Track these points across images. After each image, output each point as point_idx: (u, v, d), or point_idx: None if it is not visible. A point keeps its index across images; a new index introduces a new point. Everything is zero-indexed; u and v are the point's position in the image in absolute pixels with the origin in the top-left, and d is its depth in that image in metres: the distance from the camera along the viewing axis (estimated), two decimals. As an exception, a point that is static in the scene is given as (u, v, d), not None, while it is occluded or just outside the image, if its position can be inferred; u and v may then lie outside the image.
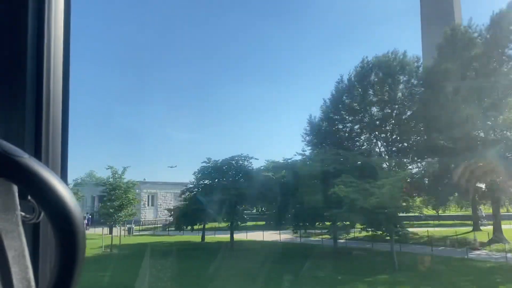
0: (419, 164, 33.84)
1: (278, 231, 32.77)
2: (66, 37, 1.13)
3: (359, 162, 28.21)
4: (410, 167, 33.41)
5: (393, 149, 34.07)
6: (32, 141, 1.02)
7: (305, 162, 30.48)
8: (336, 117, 35.28)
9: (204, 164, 32.52)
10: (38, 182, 0.68)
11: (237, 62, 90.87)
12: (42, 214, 0.80)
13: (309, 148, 36.05)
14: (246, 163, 32.67)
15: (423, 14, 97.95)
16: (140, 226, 46.48)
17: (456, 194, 32.30)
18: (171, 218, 38.63)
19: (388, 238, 23.54)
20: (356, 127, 35.27)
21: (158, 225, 46.00)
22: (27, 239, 0.77)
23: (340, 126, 35.69)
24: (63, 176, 1.10)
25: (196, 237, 34.40)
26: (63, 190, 0.69)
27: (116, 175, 32.16)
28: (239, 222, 31.22)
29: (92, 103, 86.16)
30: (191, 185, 34.03)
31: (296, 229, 30.74)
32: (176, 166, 72.56)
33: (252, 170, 32.66)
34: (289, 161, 32.53)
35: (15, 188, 0.73)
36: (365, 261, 23.89)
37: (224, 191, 29.31)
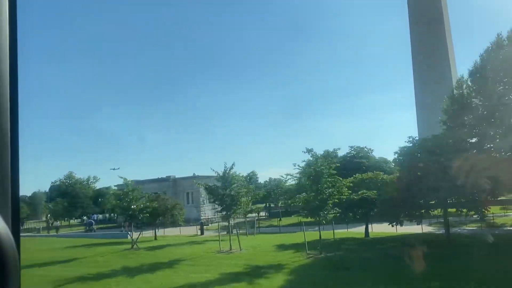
0: None
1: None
2: (12, 41, 1.05)
3: None
4: None
5: None
6: None
7: None
8: (498, 88, 26.72)
9: (407, 144, 27.47)
10: None
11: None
12: None
13: (444, 127, 29.06)
14: None
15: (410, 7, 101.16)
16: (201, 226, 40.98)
17: None
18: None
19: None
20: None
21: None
22: None
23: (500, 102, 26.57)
24: (14, 188, 1.00)
25: (351, 233, 30.23)
26: None
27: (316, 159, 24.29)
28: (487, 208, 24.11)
29: (63, 106, 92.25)
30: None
31: None
32: (119, 168, 68.78)
33: None
34: None
35: None
36: None
37: (446, 174, 22.86)
